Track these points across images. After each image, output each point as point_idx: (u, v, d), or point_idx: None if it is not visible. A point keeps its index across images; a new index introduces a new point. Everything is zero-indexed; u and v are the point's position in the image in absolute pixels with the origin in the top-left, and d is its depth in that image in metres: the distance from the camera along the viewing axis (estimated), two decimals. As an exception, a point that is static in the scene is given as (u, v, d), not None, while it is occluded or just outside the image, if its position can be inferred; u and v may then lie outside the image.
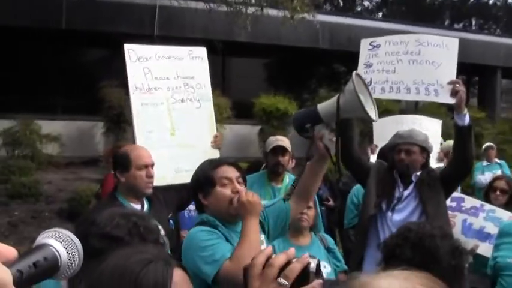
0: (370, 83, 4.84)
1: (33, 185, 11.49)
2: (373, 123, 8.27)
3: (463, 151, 4.79)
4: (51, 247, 1.39)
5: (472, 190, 11.72)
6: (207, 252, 3.17)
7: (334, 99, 3.40)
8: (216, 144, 5.07)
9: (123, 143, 7.52)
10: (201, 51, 5.29)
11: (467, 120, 4.67)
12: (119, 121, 13.48)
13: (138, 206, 4.25)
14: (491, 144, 11.97)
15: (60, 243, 1.41)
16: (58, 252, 1.39)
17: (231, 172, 3.44)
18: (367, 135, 10.82)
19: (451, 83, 4.71)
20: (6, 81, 14.20)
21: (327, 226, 6.49)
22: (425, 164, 5.08)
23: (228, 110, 14.10)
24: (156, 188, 4.52)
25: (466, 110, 4.69)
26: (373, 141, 9.07)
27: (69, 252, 1.41)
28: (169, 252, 3.14)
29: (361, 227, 5.18)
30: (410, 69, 4.88)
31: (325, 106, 3.46)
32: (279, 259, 1.68)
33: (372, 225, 4.97)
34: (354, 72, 3.49)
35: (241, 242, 3.19)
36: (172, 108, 4.97)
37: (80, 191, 10.63)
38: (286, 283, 1.64)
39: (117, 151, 4.69)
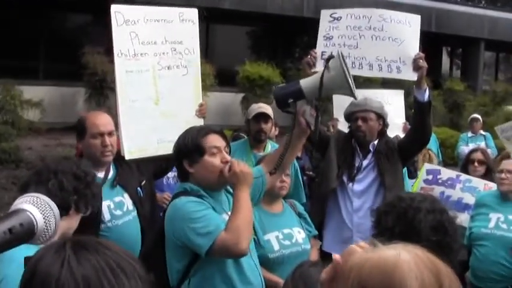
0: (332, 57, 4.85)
1: (13, 151, 11.38)
2: (333, 97, 8.31)
3: (422, 125, 4.86)
4: (27, 212, 1.38)
5: (454, 162, 11.79)
6: (199, 224, 3.16)
7: (317, 75, 3.40)
8: (201, 113, 4.86)
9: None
10: (193, 14, 4.98)
11: (427, 95, 4.71)
12: (102, 87, 13.35)
13: (101, 174, 4.15)
14: (477, 116, 11.98)
15: (37, 209, 1.40)
16: (34, 218, 1.39)
17: (219, 141, 3.42)
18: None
19: (415, 57, 4.71)
20: (-13, 46, 14.02)
21: (308, 195, 6.50)
22: (382, 132, 5.13)
23: (211, 77, 14.00)
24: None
25: (426, 86, 4.73)
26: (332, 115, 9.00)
27: (45, 217, 1.40)
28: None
29: (320, 197, 5.23)
30: (373, 45, 4.85)
31: (308, 82, 3.45)
32: None
33: (332, 196, 5.05)
34: (338, 51, 3.49)
35: (236, 212, 3.21)
36: (157, 75, 4.72)
37: (55, 157, 10.54)
38: None
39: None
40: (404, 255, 1.46)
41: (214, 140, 3.39)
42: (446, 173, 6.26)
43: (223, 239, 3.12)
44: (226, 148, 3.44)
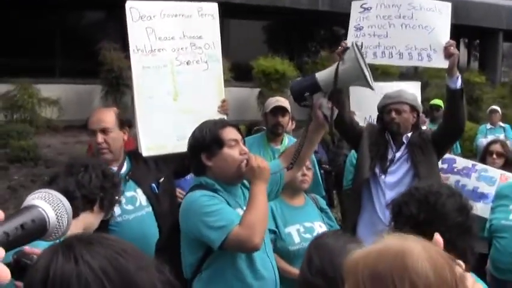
0: (362, 47, 4.81)
1: (32, 149, 11.50)
2: (350, 90, 8.25)
3: (455, 114, 4.80)
4: (39, 208, 1.37)
5: (473, 154, 11.70)
6: (212, 218, 3.17)
7: (333, 67, 3.40)
8: (224, 109, 4.74)
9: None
10: (212, 8, 4.85)
11: (459, 83, 4.65)
12: (118, 84, 13.43)
13: (113, 169, 4.09)
14: (496, 107, 11.90)
15: (49, 205, 1.39)
16: (46, 214, 1.37)
17: (236, 134, 3.44)
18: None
19: (446, 44, 4.66)
20: (5, 45, 14.09)
21: (325, 188, 6.48)
22: (416, 125, 5.07)
23: (227, 72, 14.00)
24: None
25: (458, 73, 4.67)
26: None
27: (57, 213, 1.39)
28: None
29: (355, 190, 5.21)
30: (403, 34, 4.81)
31: (324, 75, 3.46)
32: None
33: (365, 189, 4.98)
34: (353, 42, 3.48)
35: (251, 207, 3.22)
36: (176, 71, 4.63)
37: (80, 155, 10.57)
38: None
39: None
40: (410, 242, 1.46)
41: (232, 133, 3.41)
42: (462, 163, 6.23)
43: (237, 233, 3.13)
44: (242, 141, 3.45)
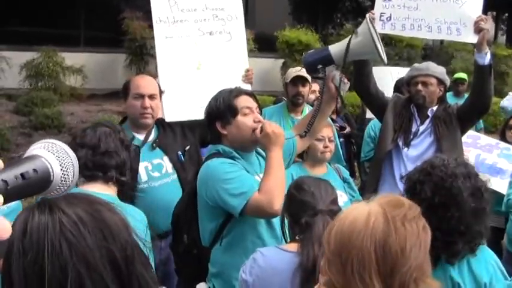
0: (390, 18, 4.75)
1: (56, 117, 11.57)
2: None
3: (482, 89, 4.73)
4: (42, 158, 1.28)
5: (496, 129, 11.58)
6: (232, 185, 3.20)
7: (345, 40, 3.46)
8: (248, 79, 4.81)
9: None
10: None
11: (488, 59, 4.60)
12: (142, 53, 13.44)
13: (141, 136, 4.26)
14: None
15: (54, 155, 1.30)
16: (50, 165, 1.28)
17: (250, 102, 3.47)
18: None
19: (477, 19, 4.59)
20: (30, 14, 14.14)
21: (346, 158, 6.47)
22: (442, 99, 5.02)
23: (251, 43, 13.92)
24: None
25: (487, 49, 4.61)
26: None
27: (63, 165, 1.30)
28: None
29: (376, 161, 5.19)
30: (433, 7, 4.73)
31: (337, 47, 3.52)
32: None
33: (387, 160, 4.96)
34: (367, 15, 3.50)
35: (269, 173, 3.25)
36: (199, 41, 4.75)
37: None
38: None
39: None
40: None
41: (246, 101, 3.43)
42: (486, 140, 6.18)
43: (257, 199, 3.16)
44: (257, 109, 3.47)
